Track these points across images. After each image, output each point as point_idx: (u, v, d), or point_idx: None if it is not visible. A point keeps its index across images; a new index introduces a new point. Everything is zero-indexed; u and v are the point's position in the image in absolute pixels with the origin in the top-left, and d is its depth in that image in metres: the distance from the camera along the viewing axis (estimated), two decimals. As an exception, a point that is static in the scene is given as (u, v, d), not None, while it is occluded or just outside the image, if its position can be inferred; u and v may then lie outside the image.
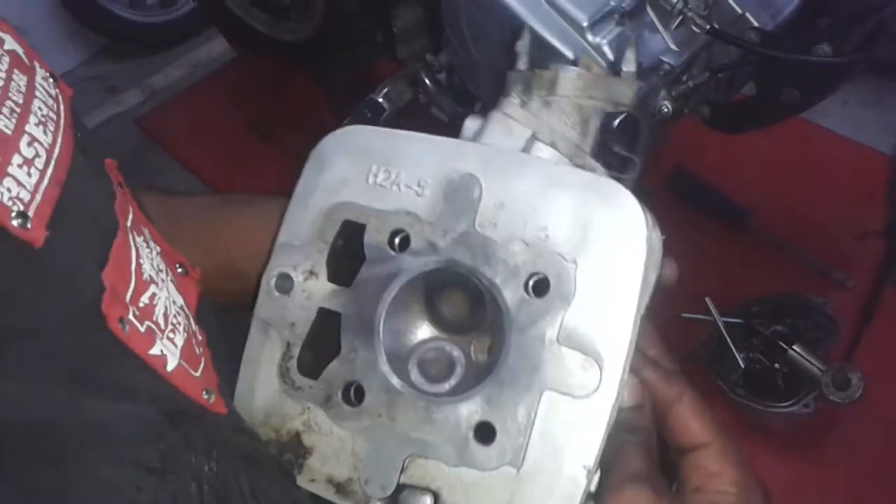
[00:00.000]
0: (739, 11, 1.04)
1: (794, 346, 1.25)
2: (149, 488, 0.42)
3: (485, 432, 0.54)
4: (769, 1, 1.07)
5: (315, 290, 0.60)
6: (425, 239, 0.58)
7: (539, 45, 1.04)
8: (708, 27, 1.01)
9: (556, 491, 0.52)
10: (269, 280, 0.62)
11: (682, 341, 1.42)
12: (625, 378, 0.53)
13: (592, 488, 0.53)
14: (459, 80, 1.27)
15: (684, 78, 1.09)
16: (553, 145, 0.67)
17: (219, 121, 2.25)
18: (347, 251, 0.62)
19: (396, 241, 0.60)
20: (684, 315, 1.40)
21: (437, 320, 0.62)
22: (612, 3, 1.02)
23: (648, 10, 1.04)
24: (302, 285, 0.61)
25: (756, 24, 1.04)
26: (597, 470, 0.53)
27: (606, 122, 0.74)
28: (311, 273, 0.61)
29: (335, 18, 1.66)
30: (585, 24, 1.02)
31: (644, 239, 0.55)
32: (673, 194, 1.67)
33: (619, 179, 0.66)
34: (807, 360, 1.23)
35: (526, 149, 0.66)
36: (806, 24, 1.07)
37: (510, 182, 0.58)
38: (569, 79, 0.70)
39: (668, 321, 1.45)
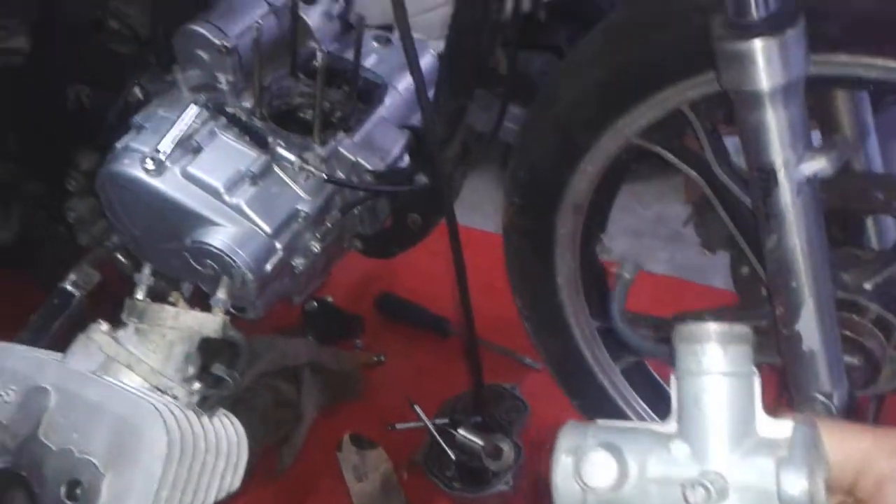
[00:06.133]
0: (353, 158, 1.22)
1: (459, 430, 1.40)
2: None
3: None
4: (378, 146, 1.26)
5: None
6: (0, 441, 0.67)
7: (189, 220, 1.17)
8: (325, 177, 1.19)
9: None
10: None
11: (406, 451, 1.54)
12: None
13: None
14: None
15: (325, 220, 1.26)
16: (129, 367, 0.79)
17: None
18: None
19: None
20: (397, 426, 1.53)
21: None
22: (242, 168, 1.18)
23: (276, 169, 1.21)
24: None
25: (369, 166, 1.22)
26: None
27: (204, 346, 0.87)
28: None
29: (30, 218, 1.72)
30: (221, 189, 1.17)
31: (160, 461, 0.67)
32: (382, 316, 1.83)
33: (206, 395, 0.80)
34: (468, 439, 1.39)
35: (101, 369, 0.77)
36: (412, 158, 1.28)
37: (74, 398, 0.69)
38: (154, 311, 0.83)
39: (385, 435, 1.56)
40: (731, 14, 0.72)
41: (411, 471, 1.53)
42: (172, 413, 0.71)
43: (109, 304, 1.34)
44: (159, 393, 0.76)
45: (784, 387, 0.97)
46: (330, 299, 1.86)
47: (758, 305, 1.02)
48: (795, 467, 0.38)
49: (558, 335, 1.26)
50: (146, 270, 0.96)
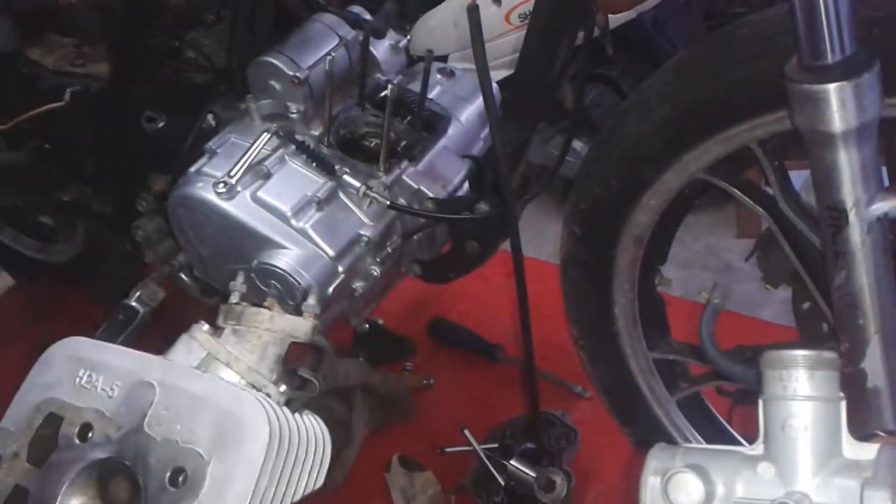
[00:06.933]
0: (416, 186, 1.25)
1: (511, 461, 1.41)
2: None
3: None
4: (440, 175, 1.29)
5: (15, 468, 0.71)
6: (104, 433, 0.71)
7: (256, 242, 1.21)
8: (388, 203, 1.22)
9: None
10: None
11: (454, 475, 1.56)
12: None
13: None
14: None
15: (386, 245, 1.29)
16: (228, 365, 0.83)
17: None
18: (53, 439, 0.74)
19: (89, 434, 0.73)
20: (447, 449, 1.55)
21: (107, 501, 0.73)
22: (309, 194, 1.22)
23: (341, 195, 1.24)
24: (7, 463, 0.71)
25: (430, 194, 1.25)
26: None
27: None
28: (16, 454, 0.72)
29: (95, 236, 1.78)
30: (289, 213, 1.21)
31: (262, 449, 0.70)
32: (432, 340, 1.86)
33: (292, 397, 0.83)
34: (521, 470, 1.40)
35: (201, 366, 0.81)
36: (472, 187, 1.30)
37: (178, 391, 0.72)
38: (251, 313, 0.87)
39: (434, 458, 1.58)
40: (806, 57, 0.74)
41: (459, 495, 1.54)
42: (272, 406, 0.74)
43: (166, 322, 1.39)
44: (255, 390, 0.80)
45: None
46: (381, 322, 1.89)
47: (819, 341, 1.03)
48: (879, 487, 0.39)
49: (613, 365, 1.27)
50: (240, 279, 1.00)
